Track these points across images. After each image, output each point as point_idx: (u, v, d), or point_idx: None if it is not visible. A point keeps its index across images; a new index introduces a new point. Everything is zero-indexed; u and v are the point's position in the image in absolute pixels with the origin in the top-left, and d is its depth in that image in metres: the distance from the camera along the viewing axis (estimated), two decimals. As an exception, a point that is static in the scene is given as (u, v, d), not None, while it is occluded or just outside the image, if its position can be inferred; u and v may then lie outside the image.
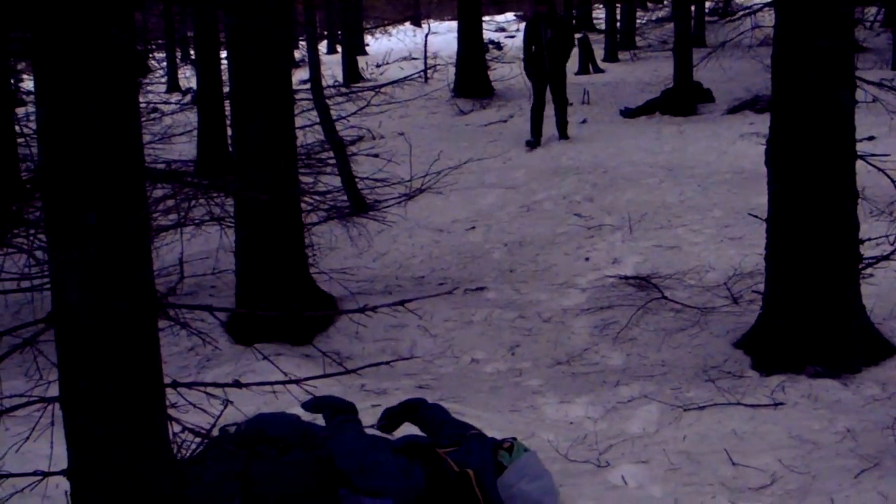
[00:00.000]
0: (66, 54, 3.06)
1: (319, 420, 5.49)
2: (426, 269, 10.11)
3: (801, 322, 6.69)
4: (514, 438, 5.01)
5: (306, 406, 5.39)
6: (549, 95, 16.05)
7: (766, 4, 17.44)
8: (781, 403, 6.00)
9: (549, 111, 16.06)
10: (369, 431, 5.24)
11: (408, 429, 5.40)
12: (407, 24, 45.05)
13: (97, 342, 3.24)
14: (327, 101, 12.24)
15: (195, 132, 15.78)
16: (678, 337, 7.55)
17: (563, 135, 16.25)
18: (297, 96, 9.10)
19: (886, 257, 7.23)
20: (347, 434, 4.90)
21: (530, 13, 16.94)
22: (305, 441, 5.03)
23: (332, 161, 12.10)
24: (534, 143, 16.00)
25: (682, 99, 18.54)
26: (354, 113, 12.80)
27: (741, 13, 18.49)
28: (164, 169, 13.77)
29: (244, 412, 5.49)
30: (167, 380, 3.57)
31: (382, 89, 13.09)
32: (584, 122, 18.43)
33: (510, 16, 48.54)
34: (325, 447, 4.89)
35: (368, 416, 5.94)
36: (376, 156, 12.56)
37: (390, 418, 5.42)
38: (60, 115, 3.11)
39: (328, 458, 4.78)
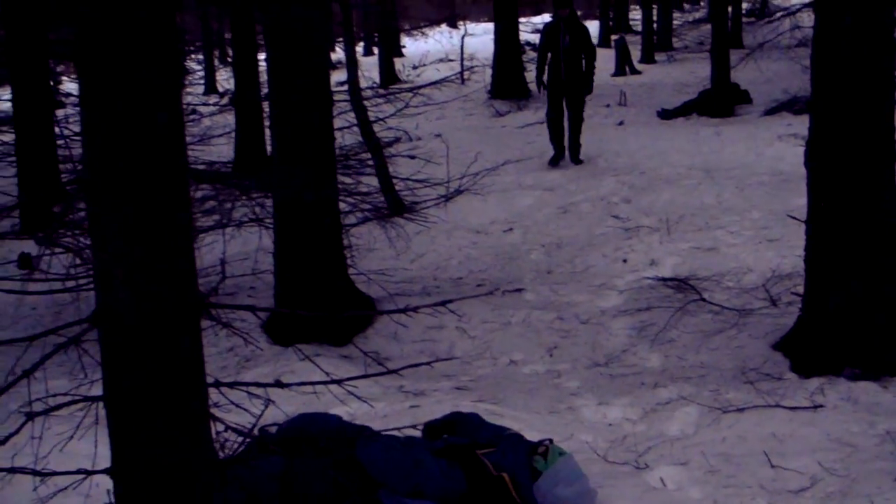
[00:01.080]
0: (111, 54, 3.09)
1: (359, 420, 5.52)
2: (464, 270, 10.12)
3: (840, 324, 6.66)
4: (550, 441, 5.02)
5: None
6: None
7: (804, 5, 17.36)
8: (821, 406, 5.98)
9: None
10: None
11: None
12: (443, 25, 45.06)
13: (141, 341, 3.27)
14: (364, 102, 12.27)
15: (233, 133, 15.87)
16: (716, 339, 7.53)
17: (575, 158, 14.71)
18: (335, 98, 9.12)
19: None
20: (378, 443, 4.89)
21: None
22: (346, 442, 5.05)
23: (370, 162, 12.13)
24: (556, 158, 14.78)
25: (720, 100, 18.50)
26: (393, 114, 12.82)
27: (780, 14, 18.38)
28: (205, 170, 13.88)
29: (285, 412, 5.52)
30: (209, 379, 3.60)
31: (420, 91, 13.09)
32: (620, 123, 18.41)
33: (547, 17, 48.50)
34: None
35: (407, 418, 5.97)
36: (413, 157, 12.59)
37: (432, 431, 5.44)
38: (104, 116, 3.14)
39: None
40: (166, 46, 3.19)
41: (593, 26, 40.69)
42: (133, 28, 3.08)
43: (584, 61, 14.63)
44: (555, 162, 14.73)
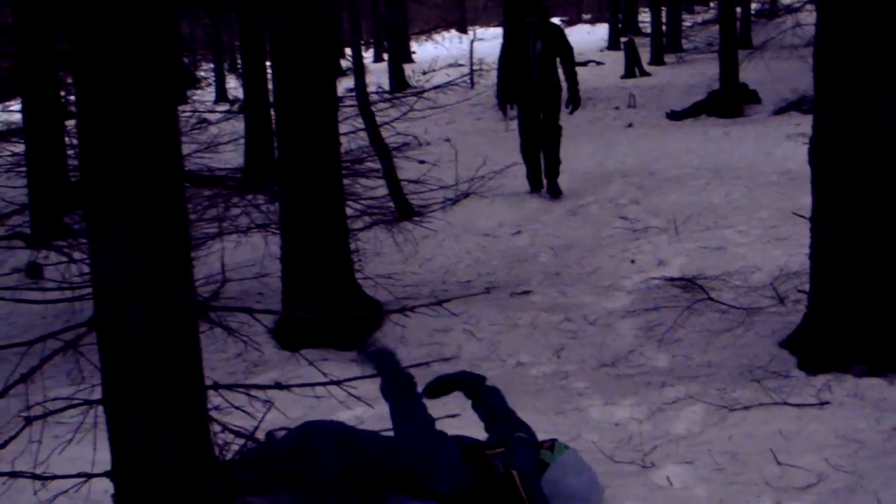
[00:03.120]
0: (104, 64, 3.11)
1: (365, 425, 5.52)
2: (473, 273, 10.11)
3: (846, 321, 6.64)
4: (555, 439, 5.01)
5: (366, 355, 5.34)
6: None
7: (808, 1, 17.37)
8: (827, 403, 5.96)
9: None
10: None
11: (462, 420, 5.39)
12: (453, 30, 45.12)
13: (138, 344, 3.29)
14: (372, 107, 12.25)
15: (242, 141, 15.90)
16: (723, 338, 7.52)
17: (553, 187, 12.73)
18: (344, 104, 9.11)
19: (934, 255, 7.16)
20: (412, 423, 4.87)
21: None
22: (351, 446, 5.05)
23: (378, 167, 12.13)
24: (536, 188, 13.02)
25: (729, 101, 18.53)
26: (399, 118, 12.77)
27: (783, 12, 18.43)
28: (211, 175, 13.91)
29: (290, 416, 5.53)
30: (209, 382, 3.61)
31: (427, 94, 13.04)
32: (629, 125, 18.43)
33: (556, 21, 48.54)
34: (369, 450, 4.89)
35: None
36: (422, 161, 12.57)
37: (440, 386, 5.40)
38: (98, 124, 3.16)
39: (374, 462, 4.79)
40: (159, 56, 3.21)
41: (603, 29, 40.81)
42: (125, 38, 3.10)
43: (560, 69, 12.79)
44: (536, 189, 13.05)
